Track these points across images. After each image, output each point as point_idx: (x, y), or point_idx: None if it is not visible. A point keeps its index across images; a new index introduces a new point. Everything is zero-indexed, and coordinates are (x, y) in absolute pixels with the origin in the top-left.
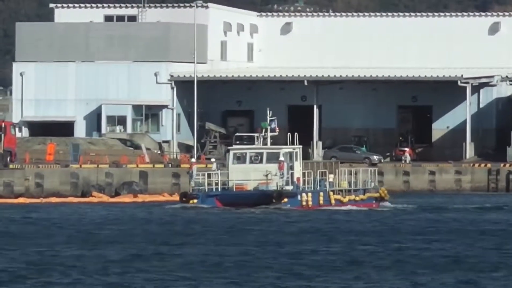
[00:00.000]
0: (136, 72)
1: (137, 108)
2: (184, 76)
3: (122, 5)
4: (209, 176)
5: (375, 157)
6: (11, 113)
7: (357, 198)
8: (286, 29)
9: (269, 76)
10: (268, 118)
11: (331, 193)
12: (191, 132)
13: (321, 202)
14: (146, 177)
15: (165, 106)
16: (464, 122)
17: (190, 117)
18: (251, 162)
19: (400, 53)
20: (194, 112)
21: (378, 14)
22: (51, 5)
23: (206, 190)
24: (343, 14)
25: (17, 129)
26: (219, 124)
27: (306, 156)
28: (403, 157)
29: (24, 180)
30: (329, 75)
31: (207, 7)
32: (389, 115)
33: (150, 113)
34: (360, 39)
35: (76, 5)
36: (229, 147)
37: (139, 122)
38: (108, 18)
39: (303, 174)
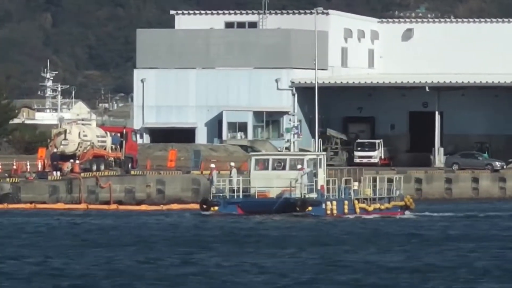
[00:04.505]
0: (256, 79)
1: (258, 115)
2: (305, 82)
3: (243, 11)
4: (230, 182)
5: (497, 164)
6: (132, 120)
7: (382, 207)
8: (407, 35)
9: (390, 82)
10: (292, 124)
11: (355, 201)
12: (312, 139)
13: (346, 210)
14: None
15: (286, 113)
16: None
17: (311, 123)
18: (274, 168)
19: None
20: (315, 119)
21: (499, 20)
22: (172, 12)
23: (227, 197)
24: (465, 20)
25: (138, 136)
26: (340, 130)
27: (428, 162)
28: None
29: (145, 187)
30: (450, 81)
31: (327, 13)
32: (511, 121)
33: (271, 120)
34: (482, 45)
35: (197, 12)
36: (251, 153)
37: (260, 129)
38: (229, 25)
39: (327, 181)
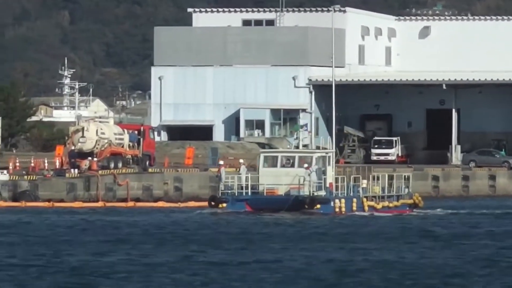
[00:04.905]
0: (274, 76)
1: (275, 112)
2: (322, 80)
3: (260, 9)
4: (239, 179)
5: None
6: (150, 117)
7: (391, 205)
8: (425, 33)
9: (407, 80)
10: (300, 122)
11: (364, 199)
12: (330, 136)
13: (355, 208)
14: None
15: (303, 110)
16: None
17: (328, 121)
18: (283, 166)
19: None
20: (332, 116)
21: None
22: (189, 9)
23: (236, 194)
24: (482, 17)
25: (156, 133)
26: (357, 128)
27: (445, 160)
28: None
29: (163, 184)
30: (467, 79)
31: (344, 11)
32: None
33: (288, 117)
34: (499, 42)
35: (214, 9)
36: (260, 151)
37: (277, 126)
38: (246, 23)
39: (336, 179)
